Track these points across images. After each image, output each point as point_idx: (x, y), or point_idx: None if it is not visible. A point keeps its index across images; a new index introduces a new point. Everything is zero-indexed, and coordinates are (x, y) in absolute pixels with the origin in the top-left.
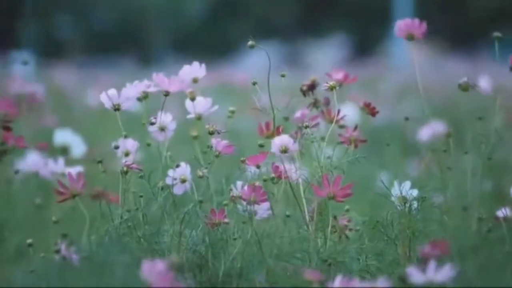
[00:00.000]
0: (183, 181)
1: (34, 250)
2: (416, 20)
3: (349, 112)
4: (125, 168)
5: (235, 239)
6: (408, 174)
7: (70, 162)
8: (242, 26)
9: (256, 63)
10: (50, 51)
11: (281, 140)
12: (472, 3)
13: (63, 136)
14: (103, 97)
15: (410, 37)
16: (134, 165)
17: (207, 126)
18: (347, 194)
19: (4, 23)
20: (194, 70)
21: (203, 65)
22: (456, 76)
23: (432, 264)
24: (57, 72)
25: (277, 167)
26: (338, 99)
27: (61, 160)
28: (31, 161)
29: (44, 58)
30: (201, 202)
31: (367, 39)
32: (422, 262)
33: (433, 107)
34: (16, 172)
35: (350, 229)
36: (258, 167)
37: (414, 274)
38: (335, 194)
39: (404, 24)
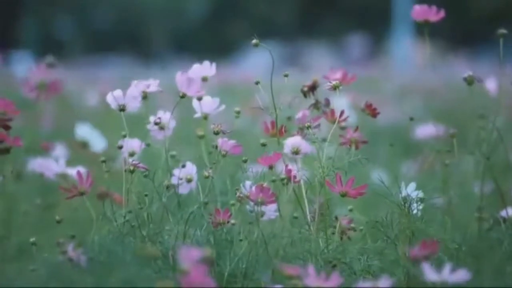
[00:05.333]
0: (189, 180)
1: (37, 250)
2: (434, 7)
3: (343, 108)
4: (131, 167)
5: (241, 240)
6: (410, 174)
7: (70, 163)
8: (242, 26)
9: (256, 63)
10: (50, 51)
11: (293, 141)
12: (472, 3)
13: (83, 132)
14: (109, 98)
15: (426, 22)
16: (140, 164)
17: (212, 126)
18: (361, 193)
19: (4, 23)
20: (204, 69)
21: (213, 64)
22: (456, 76)
23: (448, 266)
24: (57, 72)
25: (289, 168)
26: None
27: (61, 161)
28: (37, 162)
29: (44, 58)
30: (206, 203)
31: (368, 39)
32: (414, 263)
33: (434, 107)
34: (12, 172)
35: (354, 230)
36: (271, 167)
37: (429, 273)
38: (348, 192)
39: (420, 9)
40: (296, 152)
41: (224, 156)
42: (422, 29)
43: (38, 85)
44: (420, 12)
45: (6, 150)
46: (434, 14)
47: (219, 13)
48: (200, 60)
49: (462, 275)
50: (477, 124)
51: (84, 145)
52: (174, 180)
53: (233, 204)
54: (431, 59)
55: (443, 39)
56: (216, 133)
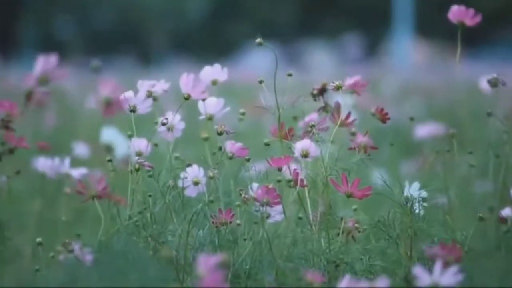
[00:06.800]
0: (196, 183)
1: (36, 250)
2: (471, 10)
3: (348, 108)
4: (137, 166)
5: (245, 239)
6: (410, 174)
7: (74, 163)
8: (242, 26)
9: (256, 63)
10: (50, 51)
11: (303, 144)
12: (472, 3)
13: (109, 135)
14: (122, 99)
15: (461, 25)
16: (146, 163)
17: (216, 127)
18: (366, 195)
19: (4, 23)
20: (215, 72)
21: (225, 69)
22: (456, 76)
23: (438, 266)
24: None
25: (297, 172)
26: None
27: (66, 161)
28: (40, 162)
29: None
30: (211, 201)
31: (368, 39)
32: (429, 262)
33: (434, 106)
34: (18, 172)
35: (359, 231)
36: (280, 169)
37: (421, 276)
38: (353, 193)
39: (458, 10)
40: (305, 155)
41: (230, 158)
42: (423, 29)
43: (103, 101)
44: (457, 13)
45: (10, 151)
46: (470, 18)
47: (219, 13)
48: (199, 60)
49: (453, 275)
50: (478, 124)
51: (108, 148)
52: (181, 183)
53: (238, 205)
54: (431, 59)
55: (443, 39)
56: (220, 134)
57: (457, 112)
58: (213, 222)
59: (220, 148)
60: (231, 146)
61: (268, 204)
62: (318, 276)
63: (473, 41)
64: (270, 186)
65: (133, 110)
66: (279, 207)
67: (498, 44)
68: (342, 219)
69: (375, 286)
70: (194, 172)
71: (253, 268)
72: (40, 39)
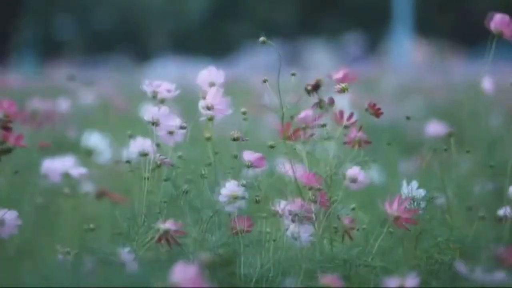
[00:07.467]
0: (234, 198)
1: (36, 250)
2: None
3: (344, 107)
4: (158, 162)
5: (267, 241)
6: (408, 173)
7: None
8: (242, 26)
9: (256, 63)
10: (50, 51)
11: (353, 172)
12: (472, 3)
13: (92, 140)
14: (145, 113)
15: (499, 34)
16: (167, 160)
17: (231, 133)
18: (413, 222)
19: (3, 23)
20: (212, 75)
21: (221, 71)
22: (456, 76)
23: (482, 267)
24: (57, 72)
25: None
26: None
27: (68, 160)
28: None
29: (44, 58)
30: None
31: (368, 38)
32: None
33: (434, 106)
34: (15, 172)
35: (357, 230)
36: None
37: (462, 270)
38: (400, 216)
39: (500, 19)
40: (353, 180)
41: (248, 167)
42: (423, 28)
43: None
44: (499, 22)
45: (8, 151)
46: (511, 29)
47: (219, 13)
48: (199, 60)
49: (497, 277)
50: (478, 124)
51: (90, 153)
52: (221, 199)
53: (266, 217)
54: (431, 59)
55: (443, 39)
56: (235, 140)
57: (457, 112)
58: (231, 229)
59: (236, 157)
60: (248, 155)
61: (300, 220)
62: (336, 280)
63: (473, 41)
64: (304, 201)
65: (155, 123)
66: (309, 228)
67: (499, 44)
68: (339, 217)
69: (404, 285)
70: (231, 187)
71: (275, 271)
72: (40, 39)
